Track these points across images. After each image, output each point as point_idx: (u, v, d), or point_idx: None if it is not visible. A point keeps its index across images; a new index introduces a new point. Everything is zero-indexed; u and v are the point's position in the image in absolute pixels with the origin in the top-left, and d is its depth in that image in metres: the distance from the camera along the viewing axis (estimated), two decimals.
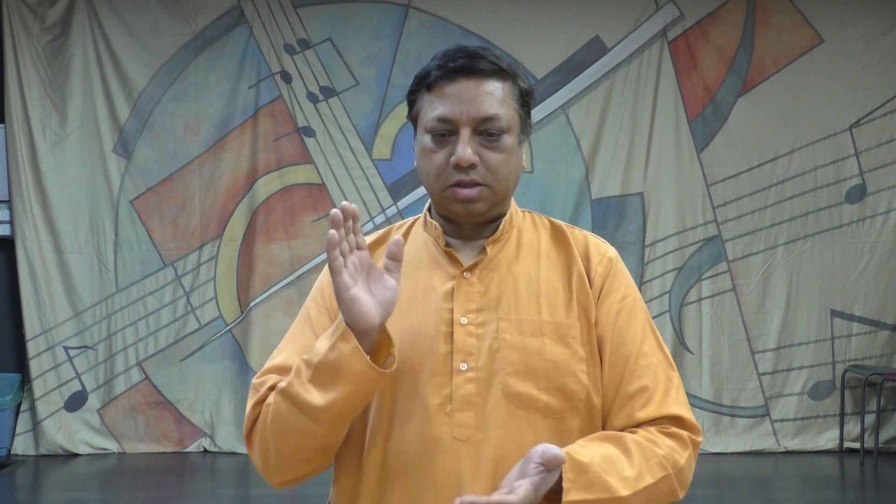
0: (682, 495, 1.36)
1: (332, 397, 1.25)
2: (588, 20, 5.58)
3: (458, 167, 1.35)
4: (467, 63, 1.37)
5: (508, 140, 1.38)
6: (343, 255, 1.25)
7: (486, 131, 1.36)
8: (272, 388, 1.34)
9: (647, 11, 5.58)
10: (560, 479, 1.23)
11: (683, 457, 1.34)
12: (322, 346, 1.27)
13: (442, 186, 1.38)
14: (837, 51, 5.55)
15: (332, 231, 1.23)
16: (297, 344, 1.41)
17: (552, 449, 1.20)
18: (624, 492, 1.27)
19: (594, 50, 5.60)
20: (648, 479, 1.29)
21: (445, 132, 1.37)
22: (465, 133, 1.35)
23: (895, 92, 5.55)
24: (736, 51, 5.57)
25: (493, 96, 1.37)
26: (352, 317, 1.24)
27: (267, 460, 1.34)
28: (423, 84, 1.40)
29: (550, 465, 1.20)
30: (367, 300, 1.25)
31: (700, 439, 1.38)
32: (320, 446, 1.32)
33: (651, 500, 1.31)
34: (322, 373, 1.25)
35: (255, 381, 1.39)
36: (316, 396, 1.26)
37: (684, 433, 1.36)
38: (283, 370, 1.37)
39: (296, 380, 1.28)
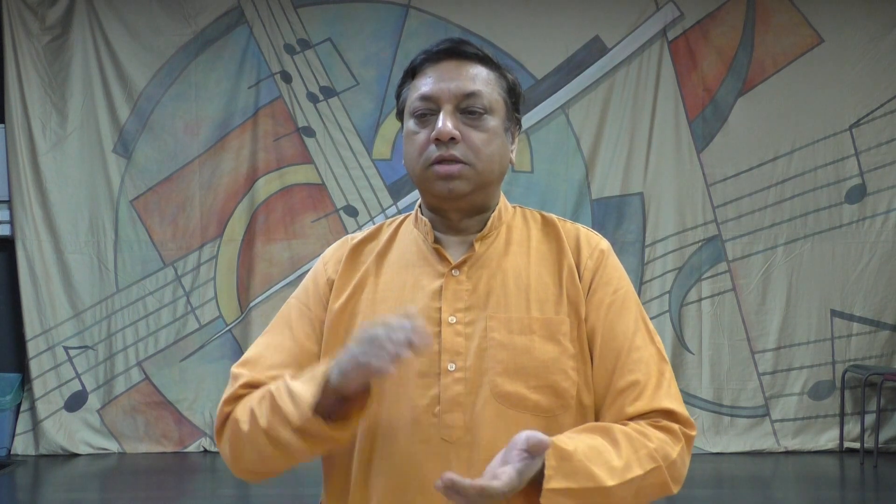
0: (675, 490, 1.32)
1: (310, 447, 1.28)
2: (588, 20, 5.58)
3: (439, 141, 1.33)
4: (452, 46, 1.37)
5: (492, 122, 1.37)
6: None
7: (468, 108, 1.35)
8: (245, 385, 1.36)
9: (647, 11, 5.58)
10: (543, 467, 1.20)
11: (675, 450, 1.30)
12: (297, 412, 1.25)
13: (424, 166, 1.36)
14: (837, 51, 5.54)
15: (407, 352, 1.19)
16: (276, 342, 1.41)
17: (536, 435, 1.18)
18: (610, 482, 1.23)
19: (594, 50, 5.59)
20: (637, 471, 1.26)
21: (427, 111, 1.36)
22: (448, 109, 1.34)
23: (895, 92, 5.55)
24: (736, 51, 5.57)
25: (478, 77, 1.37)
26: (355, 382, 1.23)
27: (240, 463, 1.35)
28: (408, 72, 1.40)
29: (534, 451, 1.18)
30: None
31: (693, 433, 1.34)
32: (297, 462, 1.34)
33: (641, 492, 1.28)
34: (303, 433, 1.26)
35: (233, 369, 1.40)
36: (295, 441, 1.27)
37: (676, 426, 1.32)
38: (255, 365, 1.38)
39: (280, 427, 1.27)
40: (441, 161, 1.34)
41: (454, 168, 1.34)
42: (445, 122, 1.33)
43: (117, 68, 5.50)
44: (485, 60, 1.39)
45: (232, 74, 5.55)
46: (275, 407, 1.27)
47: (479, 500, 1.16)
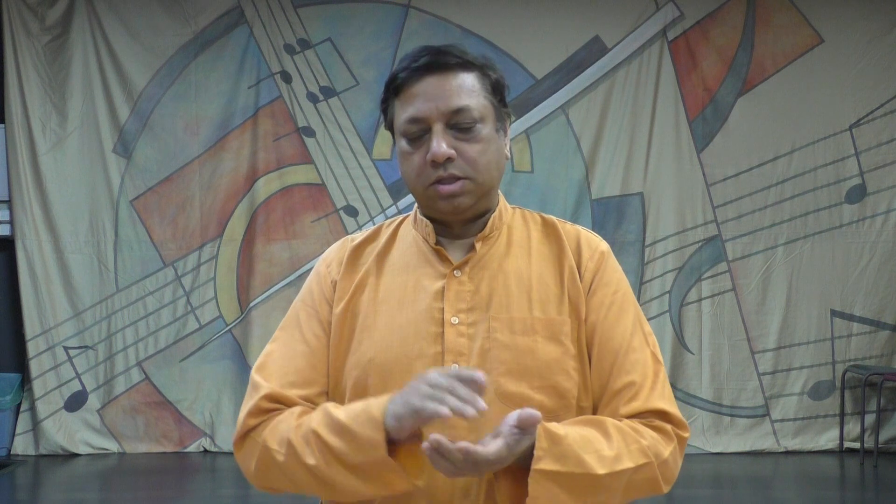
0: (666, 489, 1.33)
1: (361, 485, 1.26)
2: (588, 20, 5.58)
3: (435, 163, 1.33)
4: (431, 60, 1.35)
5: (484, 130, 1.36)
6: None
7: (457, 124, 1.34)
8: (268, 398, 1.35)
9: (647, 11, 5.58)
10: (533, 447, 1.21)
11: (667, 449, 1.31)
12: (359, 455, 1.23)
13: (424, 186, 1.36)
14: (837, 51, 5.54)
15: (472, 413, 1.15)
16: (288, 348, 1.41)
17: (528, 410, 1.19)
18: (599, 470, 1.24)
19: (594, 50, 5.59)
20: (627, 463, 1.26)
21: (418, 132, 1.35)
22: (438, 129, 1.33)
23: (895, 92, 5.55)
24: (736, 51, 5.57)
25: (462, 88, 1.35)
26: (408, 430, 1.21)
27: (267, 482, 1.35)
28: (391, 90, 1.39)
29: (524, 424, 1.19)
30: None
31: (686, 435, 1.35)
32: None
33: (631, 486, 1.28)
34: (356, 470, 1.24)
35: (253, 375, 1.39)
36: (346, 480, 1.26)
37: (669, 427, 1.33)
38: (272, 373, 1.38)
39: (326, 467, 1.26)
40: (440, 181, 1.34)
41: (456, 186, 1.34)
42: (440, 144, 1.32)
43: (117, 68, 5.50)
44: (466, 66, 1.37)
45: (232, 74, 5.55)
46: (324, 446, 1.25)
47: (464, 465, 1.17)
